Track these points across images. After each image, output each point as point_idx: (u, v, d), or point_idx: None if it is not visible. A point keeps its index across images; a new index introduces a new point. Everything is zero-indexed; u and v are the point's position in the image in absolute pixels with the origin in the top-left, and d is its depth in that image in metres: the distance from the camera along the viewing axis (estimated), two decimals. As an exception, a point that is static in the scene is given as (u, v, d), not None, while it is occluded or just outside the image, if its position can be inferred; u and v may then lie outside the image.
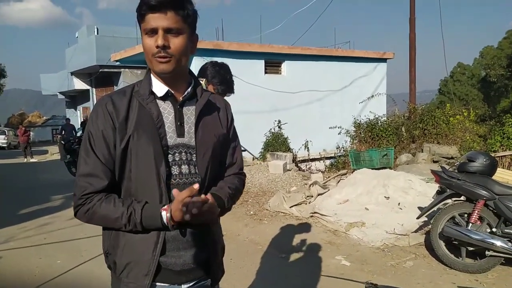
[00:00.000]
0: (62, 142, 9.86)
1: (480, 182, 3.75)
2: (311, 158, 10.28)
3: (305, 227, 5.31)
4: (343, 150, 9.69)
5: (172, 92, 1.28)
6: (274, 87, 11.36)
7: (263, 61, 11.38)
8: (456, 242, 3.78)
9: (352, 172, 6.97)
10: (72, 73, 22.18)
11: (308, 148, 9.88)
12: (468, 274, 3.68)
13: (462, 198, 3.97)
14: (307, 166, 9.97)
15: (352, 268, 3.97)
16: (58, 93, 26.59)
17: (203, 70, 2.14)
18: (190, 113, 1.30)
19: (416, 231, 4.71)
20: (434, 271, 3.80)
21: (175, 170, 1.25)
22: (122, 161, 1.22)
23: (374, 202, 5.56)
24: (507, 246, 3.50)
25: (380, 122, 9.35)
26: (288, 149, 9.68)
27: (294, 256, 4.36)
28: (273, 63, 11.73)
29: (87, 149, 1.22)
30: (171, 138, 1.25)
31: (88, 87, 22.24)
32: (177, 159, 1.25)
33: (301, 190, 6.56)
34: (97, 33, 20.25)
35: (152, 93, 1.26)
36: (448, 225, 3.78)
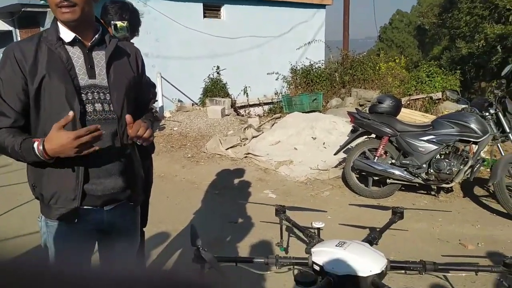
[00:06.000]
0: None
1: (386, 121, 4.29)
2: (250, 103, 10.57)
3: (239, 167, 5.71)
4: (281, 96, 10.08)
5: (80, 38, 1.40)
6: (213, 32, 11.20)
7: (201, 4, 11.08)
8: (365, 173, 4.37)
9: (285, 116, 7.40)
10: (-10, 12, 19.99)
11: (247, 93, 10.12)
12: (373, 200, 4.32)
13: (373, 135, 4.53)
14: (247, 112, 10.28)
15: (277, 199, 4.46)
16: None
17: (103, 11, 2.10)
18: (99, 57, 1.44)
19: (336, 166, 5.29)
20: (345, 198, 4.41)
21: (89, 108, 1.41)
22: (37, 101, 1.36)
23: (302, 143, 6.06)
24: (403, 175, 4.13)
25: (315, 68, 9.77)
26: (227, 95, 9.86)
27: (227, 192, 4.76)
28: (212, 6, 11.45)
29: None
30: (83, 79, 1.40)
31: (11, 28, 20.25)
32: (90, 98, 1.41)
33: (237, 134, 6.90)
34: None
35: (60, 39, 1.38)
36: (357, 159, 4.34)
